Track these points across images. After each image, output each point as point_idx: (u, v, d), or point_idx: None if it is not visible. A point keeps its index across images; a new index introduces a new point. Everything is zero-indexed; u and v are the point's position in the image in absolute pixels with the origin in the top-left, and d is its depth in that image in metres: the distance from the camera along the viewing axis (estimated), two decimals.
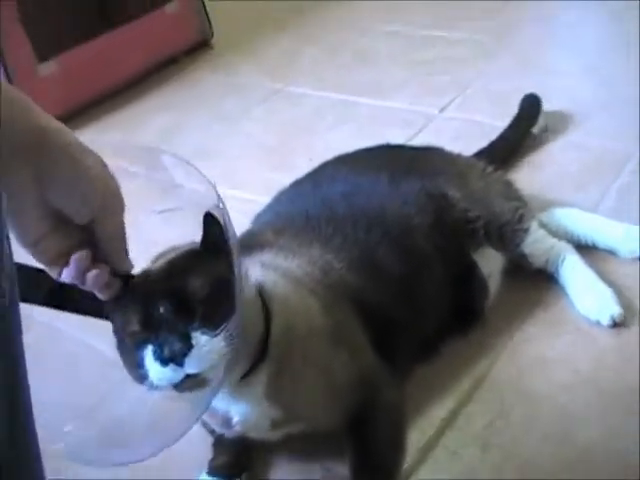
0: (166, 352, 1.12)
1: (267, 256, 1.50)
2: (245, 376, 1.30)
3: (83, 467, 1.21)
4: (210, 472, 1.48)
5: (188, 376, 1.13)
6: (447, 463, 1.44)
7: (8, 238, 0.77)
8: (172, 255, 1.23)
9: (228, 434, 1.46)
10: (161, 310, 1.14)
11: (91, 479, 1.32)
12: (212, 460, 1.50)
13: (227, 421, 1.38)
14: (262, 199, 1.87)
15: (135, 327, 1.15)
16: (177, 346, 1.12)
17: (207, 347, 1.12)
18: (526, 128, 2.27)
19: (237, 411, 1.35)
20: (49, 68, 2.96)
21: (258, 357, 1.30)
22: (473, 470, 1.43)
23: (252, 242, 1.56)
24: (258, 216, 1.79)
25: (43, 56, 2.95)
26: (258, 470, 1.51)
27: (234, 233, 1.13)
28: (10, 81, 2.84)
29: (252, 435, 1.44)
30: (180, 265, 1.19)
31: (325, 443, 1.49)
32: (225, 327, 1.12)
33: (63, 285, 1.11)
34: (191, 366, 1.12)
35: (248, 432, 1.42)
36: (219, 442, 1.51)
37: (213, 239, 1.18)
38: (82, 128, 2.97)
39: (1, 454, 0.78)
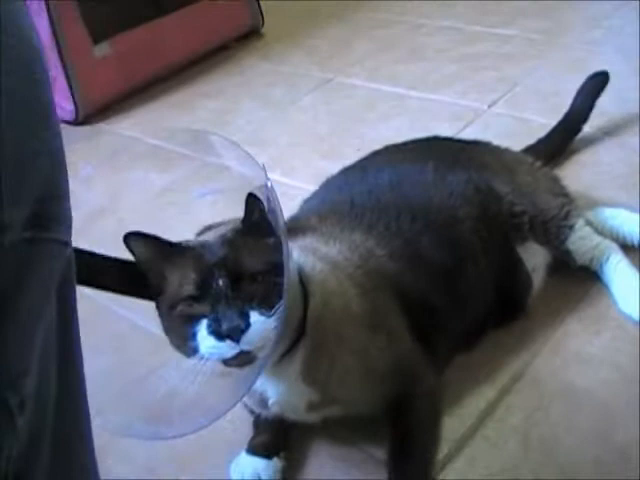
0: (224, 327, 1.14)
1: (308, 241, 1.51)
2: (282, 356, 1.32)
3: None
4: (249, 450, 1.49)
5: (240, 353, 1.15)
6: (485, 454, 1.45)
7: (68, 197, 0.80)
8: (222, 230, 1.26)
9: (266, 414, 1.47)
10: (220, 283, 1.17)
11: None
12: (252, 439, 1.52)
13: (264, 400, 1.40)
14: (310, 187, 1.88)
15: (191, 291, 1.18)
16: (237, 322, 1.14)
17: (263, 327, 1.15)
18: (576, 124, 2.25)
19: (273, 391, 1.37)
20: (103, 50, 3.00)
21: (295, 338, 1.32)
22: (511, 463, 1.43)
23: (296, 227, 1.58)
24: (305, 202, 1.81)
25: (98, 38, 2.99)
26: (297, 451, 1.52)
27: (282, 214, 1.15)
28: (64, 61, 2.89)
29: (290, 416, 1.46)
30: (234, 242, 1.22)
31: (365, 428, 1.50)
32: (278, 308, 1.14)
33: (98, 261, 1.16)
34: (246, 344, 1.14)
35: (285, 413, 1.44)
36: (259, 422, 1.53)
37: (254, 219, 1.21)
38: (136, 109, 3.04)
39: (49, 420, 0.81)
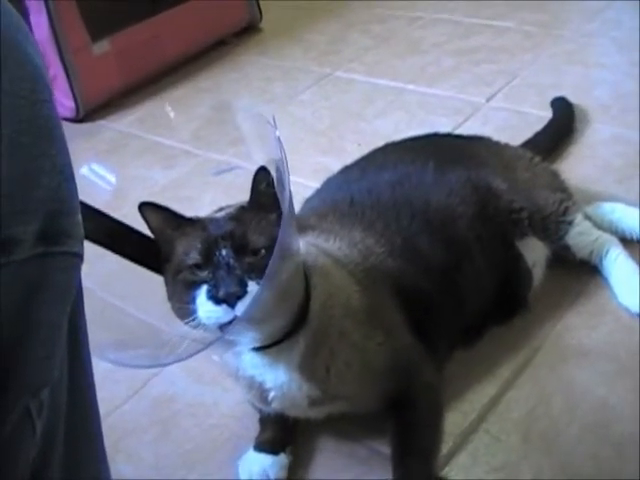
0: (221, 293, 1.19)
1: (309, 237, 1.52)
2: (282, 342, 1.34)
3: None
4: (256, 447, 1.51)
5: (235, 319, 1.18)
6: (487, 448, 1.46)
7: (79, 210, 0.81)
8: (231, 209, 1.31)
9: (268, 410, 1.49)
10: (223, 252, 1.22)
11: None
12: (258, 436, 1.53)
13: (264, 394, 1.41)
14: (310, 183, 1.90)
15: (196, 259, 1.24)
16: (234, 289, 1.18)
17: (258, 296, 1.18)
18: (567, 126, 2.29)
19: (272, 382, 1.38)
20: (103, 47, 3.01)
21: (296, 326, 1.34)
22: (513, 457, 1.44)
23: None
24: (306, 201, 1.82)
25: (97, 35, 3.00)
26: (302, 447, 1.54)
27: (288, 186, 1.17)
28: (63, 59, 2.90)
29: (292, 413, 1.47)
30: (240, 217, 1.27)
31: (370, 423, 1.52)
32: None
33: (120, 229, 1.24)
34: (241, 310, 1.18)
35: (287, 409, 1.46)
36: (264, 418, 1.55)
37: (261, 192, 1.25)
38: (136, 105, 3.05)
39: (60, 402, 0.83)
